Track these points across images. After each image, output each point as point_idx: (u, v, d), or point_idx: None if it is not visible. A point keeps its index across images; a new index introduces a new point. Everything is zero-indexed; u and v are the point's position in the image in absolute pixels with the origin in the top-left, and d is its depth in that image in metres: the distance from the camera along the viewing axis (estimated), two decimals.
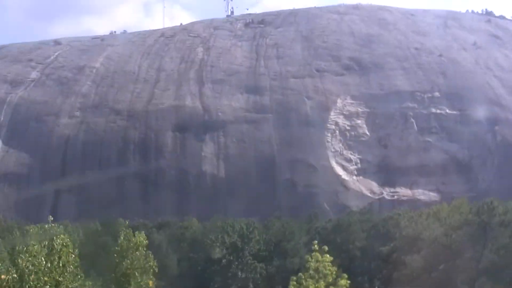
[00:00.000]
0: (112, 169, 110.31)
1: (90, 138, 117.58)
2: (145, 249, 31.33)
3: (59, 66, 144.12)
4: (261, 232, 77.16)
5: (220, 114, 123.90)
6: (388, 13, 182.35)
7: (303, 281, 28.20)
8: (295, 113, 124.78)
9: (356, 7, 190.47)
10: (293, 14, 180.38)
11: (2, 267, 23.30)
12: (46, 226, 23.93)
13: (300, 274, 29.18)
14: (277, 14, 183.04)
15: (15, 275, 22.12)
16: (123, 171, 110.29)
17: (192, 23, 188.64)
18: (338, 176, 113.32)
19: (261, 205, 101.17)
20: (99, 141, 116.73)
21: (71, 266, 23.11)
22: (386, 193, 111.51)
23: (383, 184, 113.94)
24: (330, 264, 28.66)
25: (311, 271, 28.63)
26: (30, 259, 22.34)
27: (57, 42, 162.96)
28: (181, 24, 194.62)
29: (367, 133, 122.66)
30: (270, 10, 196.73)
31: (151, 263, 31.47)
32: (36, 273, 22.18)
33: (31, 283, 21.99)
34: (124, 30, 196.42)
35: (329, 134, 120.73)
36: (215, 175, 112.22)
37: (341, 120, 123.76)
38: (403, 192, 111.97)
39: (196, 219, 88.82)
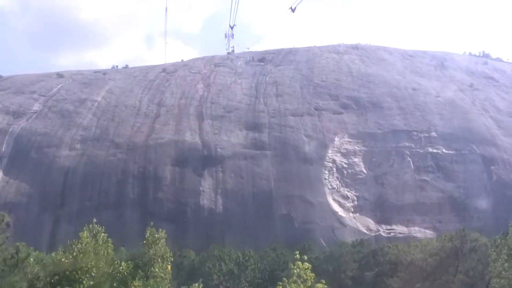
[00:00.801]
0: (111, 200, 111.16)
1: (90, 170, 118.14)
2: (164, 242, 40.33)
3: (61, 98, 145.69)
4: (257, 261, 79.12)
5: (219, 149, 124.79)
6: (387, 53, 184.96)
7: (287, 285, 33.75)
8: (293, 150, 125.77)
9: (355, 47, 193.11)
10: (293, 53, 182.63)
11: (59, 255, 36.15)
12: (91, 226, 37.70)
13: (284, 279, 35.17)
14: (277, 52, 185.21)
15: (71, 257, 34.71)
16: (122, 202, 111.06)
17: (193, 59, 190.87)
18: (335, 212, 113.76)
19: (258, 239, 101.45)
20: (99, 173, 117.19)
21: (110, 255, 36.46)
22: (383, 230, 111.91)
23: (379, 221, 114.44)
24: (309, 270, 33.65)
25: (294, 277, 33.73)
26: (80, 245, 35.30)
27: (59, 75, 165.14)
28: (182, 60, 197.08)
29: (364, 171, 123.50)
30: (270, 48, 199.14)
31: (168, 254, 40.25)
32: (85, 254, 34.62)
33: (83, 264, 34.40)
34: (126, 65, 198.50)
35: (327, 171, 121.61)
36: (212, 209, 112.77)
37: (339, 158, 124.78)
38: (399, 229, 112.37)
39: (193, 251, 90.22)
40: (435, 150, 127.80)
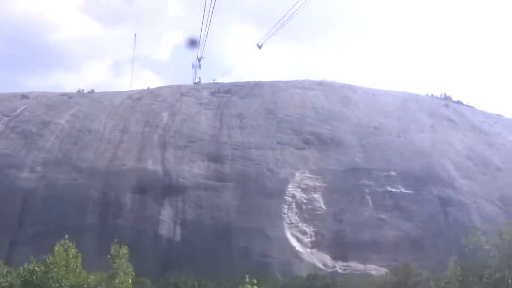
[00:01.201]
0: (70, 224, 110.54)
1: (50, 193, 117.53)
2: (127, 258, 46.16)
3: (24, 119, 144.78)
4: None
5: (180, 179, 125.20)
6: (351, 91, 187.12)
7: None
8: (254, 183, 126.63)
9: (320, 83, 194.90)
10: (258, 86, 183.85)
11: (33, 264, 39.76)
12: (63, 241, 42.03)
13: None
14: (243, 85, 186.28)
15: (43, 268, 39.21)
16: (81, 227, 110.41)
17: (160, 88, 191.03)
18: (293, 247, 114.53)
19: (216, 270, 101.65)
20: (59, 197, 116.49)
21: (78, 268, 40.59)
22: (339, 266, 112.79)
23: (336, 257, 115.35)
24: None
25: None
26: (53, 258, 39.95)
27: (24, 96, 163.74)
28: (148, 87, 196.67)
29: (323, 207, 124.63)
30: (237, 80, 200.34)
31: (130, 269, 46.53)
32: (56, 265, 39.01)
33: (54, 274, 38.83)
34: (92, 89, 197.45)
35: (286, 206, 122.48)
36: (171, 239, 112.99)
37: (299, 193, 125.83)
38: (356, 266, 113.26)
39: (149, 279, 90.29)
40: (394, 189, 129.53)
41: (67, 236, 44.37)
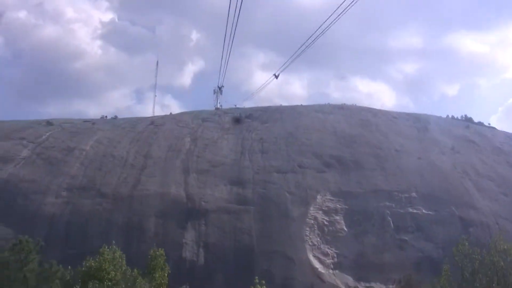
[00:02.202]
0: (95, 249, 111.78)
1: (75, 218, 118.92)
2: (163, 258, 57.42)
3: (49, 146, 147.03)
4: None
5: (203, 203, 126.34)
6: (371, 114, 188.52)
7: None
8: (276, 207, 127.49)
9: (341, 107, 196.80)
10: (279, 111, 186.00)
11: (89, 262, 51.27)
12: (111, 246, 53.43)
13: None
14: (264, 110, 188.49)
15: (97, 263, 50.95)
16: None
17: (181, 113, 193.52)
18: (315, 269, 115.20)
19: None
20: (84, 222, 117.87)
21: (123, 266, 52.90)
22: (361, 287, 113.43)
23: (358, 279, 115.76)
24: None
25: None
26: (103, 257, 52.68)
27: (49, 123, 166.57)
28: (170, 113, 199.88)
29: (345, 228, 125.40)
30: (258, 105, 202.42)
31: (166, 267, 58.70)
32: (107, 262, 50.48)
33: (105, 267, 50.02)
34: (115, 115, 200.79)
35: (308, 228, 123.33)
36: (194, 262, 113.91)
37: (320, 216, 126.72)
38: (378, 287, 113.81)
39: None
40: (415, 211, 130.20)
41: (114, 242, 56.47)
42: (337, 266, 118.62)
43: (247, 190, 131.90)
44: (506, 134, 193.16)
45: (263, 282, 45.50)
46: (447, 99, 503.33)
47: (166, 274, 54.75)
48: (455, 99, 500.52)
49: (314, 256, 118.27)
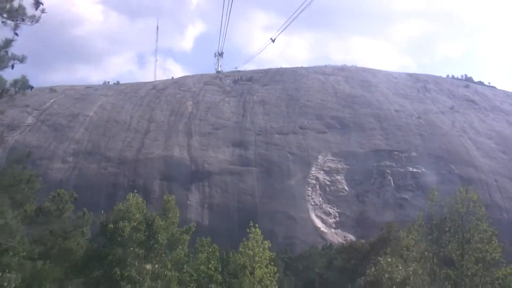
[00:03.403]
0: (100, 212, 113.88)
1: (81, 182, 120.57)
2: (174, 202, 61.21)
3: (54, 112, 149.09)
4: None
5: (206, 165, 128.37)
6: (371, 75, 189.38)
7: (247, 244, 52.30)
8: (277, 168, 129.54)
9: (341, 68, 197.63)
10: (280, 73, 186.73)
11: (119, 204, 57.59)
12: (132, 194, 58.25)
13: (244, 239, 53.68)
14: (265, 72, 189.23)
15: (124, 208, 56.53)
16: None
17: (183, 77, 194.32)
18: (317, 228, 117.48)
19: None
20: (90, 186, 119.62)
21: (144, 209, 57.54)
22: None
23: (360, 237, 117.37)
24: (262, 235, 53.02)
25: (251, 239, 52.38)
26: (128, 203, 56.49)
27: (52, 90, 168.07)
28: (172, 77, 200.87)
29: (346, 188, 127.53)
30: (258, 68, 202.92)
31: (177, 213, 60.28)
32: (131, 206, 55.61)
33: (131, 210, 55.40)
34: (117, 81, 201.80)
35: (310, 188, 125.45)
36: (199, 223, 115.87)
37: (322, 176, 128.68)
38: None
39: None
40: (414, 170, 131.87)
41: (135, 191, 61.30)
42: (339, 225, 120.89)
43: (249, 152, 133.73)
44: (506, 93, 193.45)
45: (257, 225, 54.14)
46: (449, 60, 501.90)
47: (177, 214, 59.74)
48: (457, 60, 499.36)
49: (316, 215, 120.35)
